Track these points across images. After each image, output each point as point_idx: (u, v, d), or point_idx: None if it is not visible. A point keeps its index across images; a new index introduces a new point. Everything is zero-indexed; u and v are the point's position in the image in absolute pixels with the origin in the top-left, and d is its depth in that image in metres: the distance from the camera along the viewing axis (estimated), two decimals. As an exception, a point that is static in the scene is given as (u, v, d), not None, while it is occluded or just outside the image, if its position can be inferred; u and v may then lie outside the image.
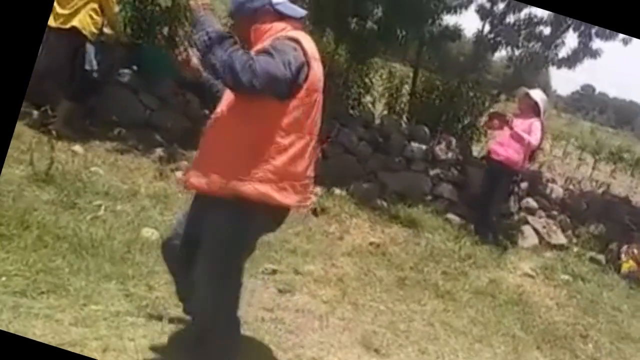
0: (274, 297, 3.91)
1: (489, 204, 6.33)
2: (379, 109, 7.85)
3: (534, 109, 6.22)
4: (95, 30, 5.66)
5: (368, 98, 7.75)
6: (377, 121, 7.32)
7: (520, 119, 6.25)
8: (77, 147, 5.40)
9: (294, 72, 2.45)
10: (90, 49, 5.63)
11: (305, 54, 2.53)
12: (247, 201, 2.50)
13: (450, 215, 6.71)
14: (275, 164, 2.52)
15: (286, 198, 2.56)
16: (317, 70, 2.61)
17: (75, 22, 5.51)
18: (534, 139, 6.12)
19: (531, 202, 7.27)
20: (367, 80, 7.71)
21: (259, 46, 2.56)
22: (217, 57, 2.33)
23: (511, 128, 6.14)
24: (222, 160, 2.55)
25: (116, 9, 5.96)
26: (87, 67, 5.59)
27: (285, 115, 2.52)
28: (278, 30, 2.63)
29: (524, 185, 7.07)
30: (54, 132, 5.36)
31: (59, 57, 5.52)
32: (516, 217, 7.04)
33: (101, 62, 5.75)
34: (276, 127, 2.51)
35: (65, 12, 5.50)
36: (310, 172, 2.69)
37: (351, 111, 7.40)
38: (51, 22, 5.40)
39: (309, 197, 2.73)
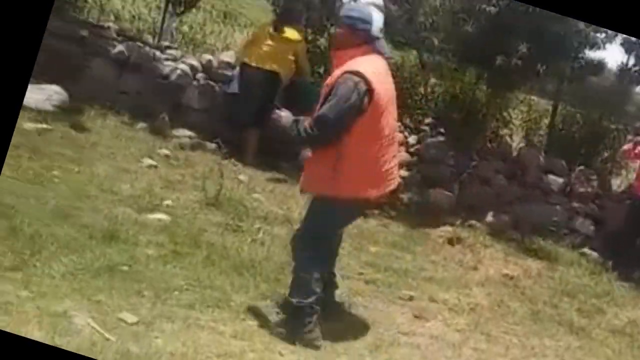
0: (409, 322, 3.89)
1: (635, 241, 5.80)
2: (517, 141, 7.56)
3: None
4: (288, 75, 6.26)
5: (506, 131, 7.50)
6: (515, 153, 7.05)
7: None
8: (242, 176, 5.71)
9: (355, 104, 2.98)
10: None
11: (367, 82, 2.97)
12: None
13: (586, 250, 6.26)
14: None
15: None
16: (382, 87, 3.02)
17: (272, 65, 6.12)
18: None
19: (673, 240, 6.59)
20: (505, 113, 7.45)
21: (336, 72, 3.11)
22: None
23: None
24: None
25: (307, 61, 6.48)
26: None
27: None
28: (346, 59, 3.07)
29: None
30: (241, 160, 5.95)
31: (253, 93, 6.07)
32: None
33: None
34: None
35: (262, 53, 6.12)
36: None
37: (489, 144, 7.19)
38: (249, 60, 6.12)
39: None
